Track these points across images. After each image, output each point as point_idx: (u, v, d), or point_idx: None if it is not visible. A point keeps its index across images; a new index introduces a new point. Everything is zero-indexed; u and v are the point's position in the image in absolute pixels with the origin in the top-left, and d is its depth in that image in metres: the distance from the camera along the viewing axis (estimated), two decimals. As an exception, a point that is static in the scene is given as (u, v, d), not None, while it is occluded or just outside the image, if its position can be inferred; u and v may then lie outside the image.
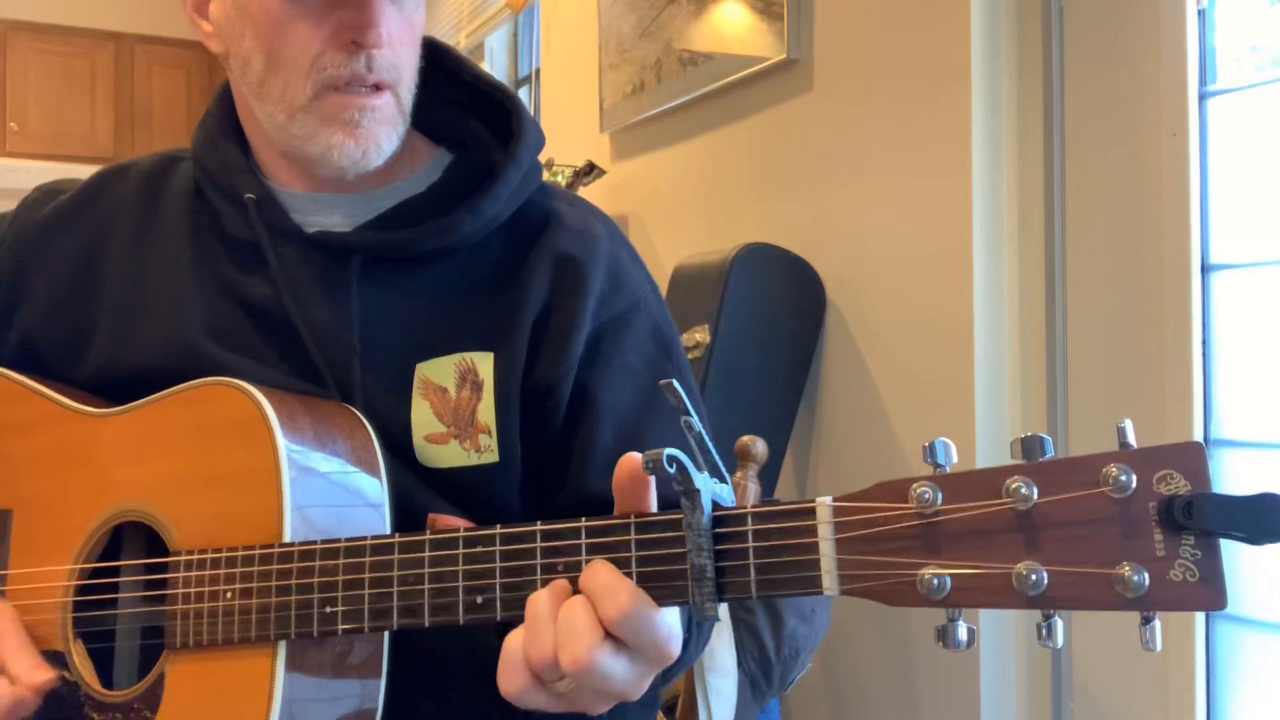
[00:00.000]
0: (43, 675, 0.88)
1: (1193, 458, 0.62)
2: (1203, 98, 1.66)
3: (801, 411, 2.28)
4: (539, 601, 0.72)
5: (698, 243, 2.58)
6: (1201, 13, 1.66)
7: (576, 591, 0.72)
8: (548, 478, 0.97)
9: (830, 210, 2.22)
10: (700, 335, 2.15)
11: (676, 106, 2.74)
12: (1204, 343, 1.65)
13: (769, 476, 2.16)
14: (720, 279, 2.18)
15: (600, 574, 0.71)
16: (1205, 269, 1.65)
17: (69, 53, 5.94)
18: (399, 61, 0.94)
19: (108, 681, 0.92)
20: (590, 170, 2.99)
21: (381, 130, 0.94)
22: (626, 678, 0.71)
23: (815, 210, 2.27)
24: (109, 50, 6.03)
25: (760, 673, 1.69)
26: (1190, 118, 1.64)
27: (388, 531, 0.88)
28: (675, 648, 0.72)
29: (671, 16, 2.72)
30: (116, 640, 0.93)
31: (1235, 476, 1.63)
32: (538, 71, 3.73)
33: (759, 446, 1.70)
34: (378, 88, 0.93)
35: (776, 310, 2.23)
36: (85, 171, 1.14)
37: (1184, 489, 0.62)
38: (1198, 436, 1.63)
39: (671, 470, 0.67)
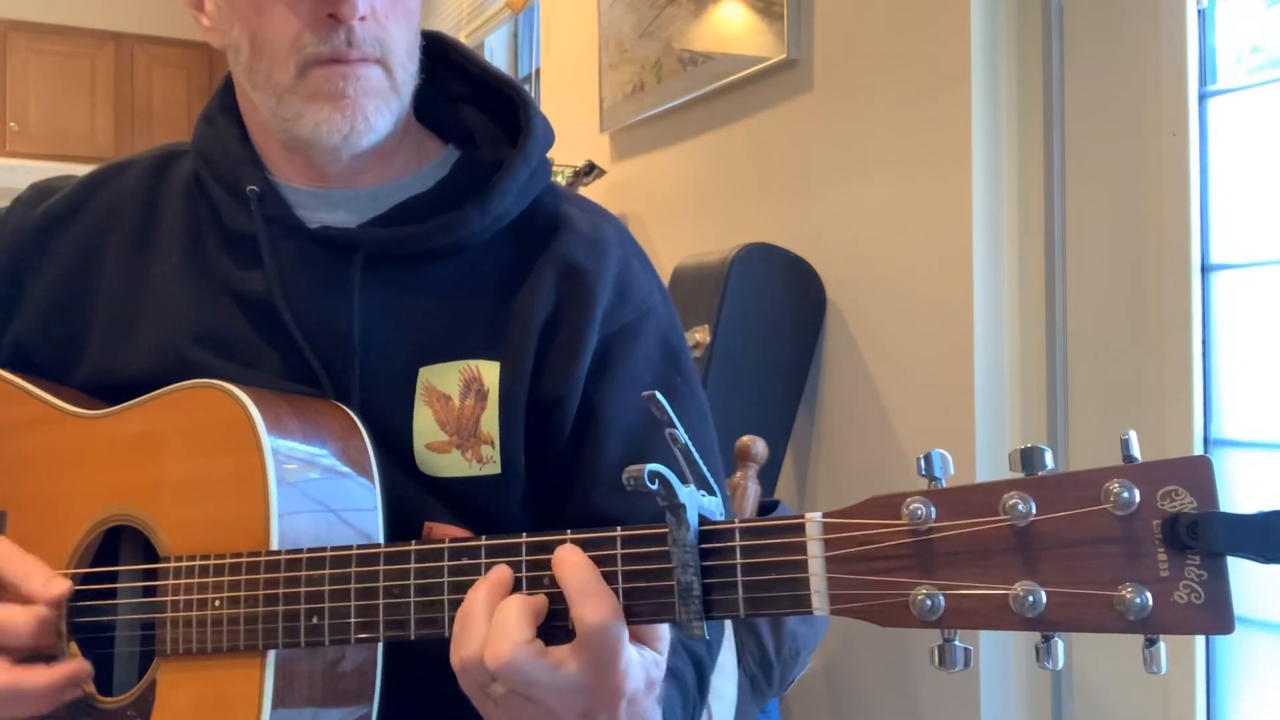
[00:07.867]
0: (59, 587, 0.85)
1: (1199, 473, 0.59)
2: (1203, 98, 1.65)
3: (801, 411, 2.27)
4: (474, 597, 0.71)
5: (698, 243, 2.58)
6: (1201, 13, 1.65)
7: (555, 605, 0.71)
8: (553, 491, 0.96)
9: (830, 210, 2.22)
10: (700, 335, 2.15)
11: (676, 106, 2.74)
12: (1204, 343, 1.64)
13: (769, 476, 2.15)
14: (720, 279, 2.18)
15: (569, 567, 0.70)
16: (1205, 269, 1.65)
17: (69, 53, 5.94)
18: (384, 35, 0.90)
19: (106, 686, 0.91)
20: (590, 170, 2.99)
21: (369, 102, 0.90)
22: (554, 686, 0.69)
23: (815, 210, 2.27)
24: (109, 50, 6.03)
25: (760, 672, 1.69)
26: (1190, 118, 1.64)
27: (380, 536, 0.87)
28: (633, 677, 0.70)
29: (671, 16, 2.71)
30: (111, 646, 0.92)
31: (1235, 477, 1.63)
32: (538, 71, 3.73)
33: (759, 446, 1.70)
34: (363, 60, 0.90)
35: (776, 310, 2.22)
36: (85, 171, 1.12)
37: (1189, 506, 0.58)
38: (1198, 436, 1.62)
39: (654, 487, 0.65)
